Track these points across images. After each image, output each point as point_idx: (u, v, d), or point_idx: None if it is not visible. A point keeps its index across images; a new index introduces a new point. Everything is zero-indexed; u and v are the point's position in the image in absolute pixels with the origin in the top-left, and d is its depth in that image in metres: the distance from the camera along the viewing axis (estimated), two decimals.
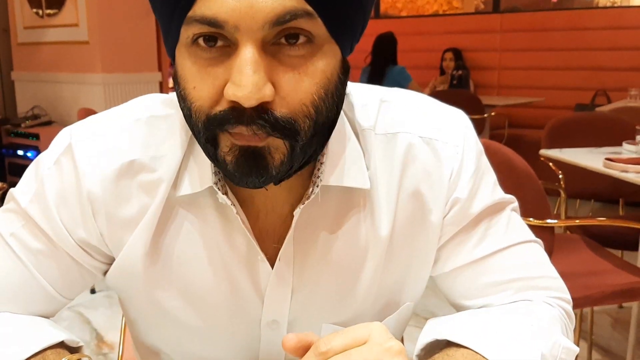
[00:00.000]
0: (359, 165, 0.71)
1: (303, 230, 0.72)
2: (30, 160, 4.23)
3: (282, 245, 0.72)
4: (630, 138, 2.52)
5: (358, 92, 0.77)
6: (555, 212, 2.95)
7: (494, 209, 0.76)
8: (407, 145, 0.74)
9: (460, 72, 5.69)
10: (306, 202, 0.69)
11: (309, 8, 0.55)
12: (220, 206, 0.71)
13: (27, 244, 0.73)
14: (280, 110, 0.58)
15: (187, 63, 0.59)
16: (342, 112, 0.70)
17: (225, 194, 0.69)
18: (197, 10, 0.55)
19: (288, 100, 0.58)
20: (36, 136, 4.52)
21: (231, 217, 0.71)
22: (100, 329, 2.93)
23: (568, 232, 2.66)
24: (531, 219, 1.90)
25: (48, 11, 4.59)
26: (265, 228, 0.73)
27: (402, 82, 5.44)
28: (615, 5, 6.34)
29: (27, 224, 0.73)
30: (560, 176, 2.71)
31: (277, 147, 0.60)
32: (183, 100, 0.61)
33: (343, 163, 0.70)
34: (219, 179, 0.68)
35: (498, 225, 0.77)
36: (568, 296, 0.79)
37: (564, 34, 5.67)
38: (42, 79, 4.82)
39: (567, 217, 2.68)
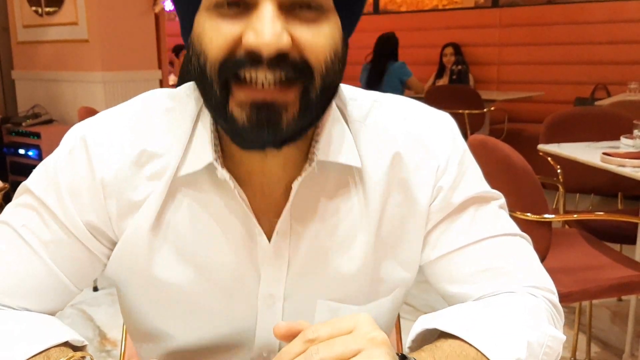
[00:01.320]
0: (350, 146, 0.75)
1: (299, 205, 0.76)
2: (32, 159, 4.22)
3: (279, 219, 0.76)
4: (628, 132, 2.52)
5: (352, 91, 0.82)
6: (554, 206, 2.97)
7: (479, 200, 0.80)
8: (396, 139, 0.78)
9: (459, 67, 5.70)
10: (304, 174, 0.72)
11: None
12: (219, 184, 0.73)
13: (39, 234, 0.75)
14: (300, 56, 0.62)
15: (206, 23, 0.63)
16: (334, 104, 0.75)
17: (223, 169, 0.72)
18: None
19: (306, 51, 0.62)
20: (37, 135, 4.53)
21: (230, 194, 0.73)
22: (103, 326, 2.95)
23: (566, 226, 2.67)
24: (529, 214, 1.91)
25: (47, 9, 4.59)
26: (263, 206, 0.76)
27: (402, 77, 5.45)
28: None
29: (40, 213, 0.75)
30: (559, 171, 2.72)
31: (294, 102, 0.64)
32: (198, 56, 0.64)
33: (336, 143, 0.74)
34: (218, 157, 0.71)
35: (483, 216, 0.80)
36: (553, 288, 0.81)
37: (563, 28, 5.68)
38: (42, 77, 4.83)
39: (566, 212, 2.69)
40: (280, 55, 0.60)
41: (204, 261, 0.77)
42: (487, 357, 0.64)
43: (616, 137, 2.57)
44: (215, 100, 0.65)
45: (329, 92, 0.67)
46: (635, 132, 2.38)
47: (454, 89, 5.23)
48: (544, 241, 1.92)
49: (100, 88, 4.35)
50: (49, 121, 4.72)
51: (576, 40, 5.63)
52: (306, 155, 0.74)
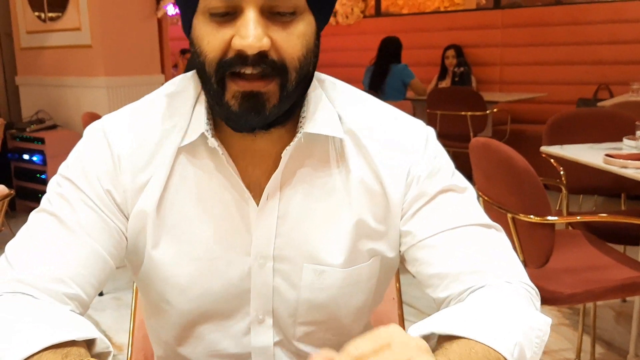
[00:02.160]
0: (335, 122, 0.87)
1: (288, 173, 0.87)
2: (36, 164, 4.26)
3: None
4: (631, 133, 2.53)
5: (343, 85, 0.94)
6: (557, 207, 2.97)
7: (454, 189, 0.88)
8: (374, 136, 0.89)
9: (462, 69, 5.70)
10: (292, 144, 0.84)
11: None
12: (213, 152, 0.86)
13: (73, 214, 0.84)
14: (277, 56, 0.76)
15: (202, 26, 0.77)
16: (322, 93, 0.89)
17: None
18: None
19: (281, 51, 0.76)
20: (41, 140, 4.54)
21: (223, 163, 0.85)
22: (109, 330, 2.96)
23: (570, 227, 2.67)
24: (532, 216, 1.91)
25: (50, 14, 4.61)
26: (255, 178, 0.88)
27: (404, 79, 5.47)
28: None
29: (70, 195, 0.84)
30: (562, 172, 2.72)
31: (273, 92, 0.77)
32: (198, 55, 0.79)
33: (322, 119, 0.86)
34: (210, 128, 0.84)
35: (458, 205, 0.88)
36: (524, 277, 0.85)
37: (565, 28, 5.68)
38: (45, 83, 4.85)
39: (569, 213, 2.69)
40: (261, 54, 0.75)
41: (203, 223, 0.88)
42: (492, 348, 0.68)
43: (619, 138, 2.58)
44: (213, 91, 0.80)
45: (304, 82, 0.81)
46: (638, 133, 2.38)
47: (456, 91, 5.23)
48: (547, 243, 1.92)
49: (104, 93, 4.37)
50: (53, 126, 4.75)
51: (578, 41, 5.63)
52: (294, 133, 0.86)
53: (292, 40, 0.77)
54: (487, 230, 0.87)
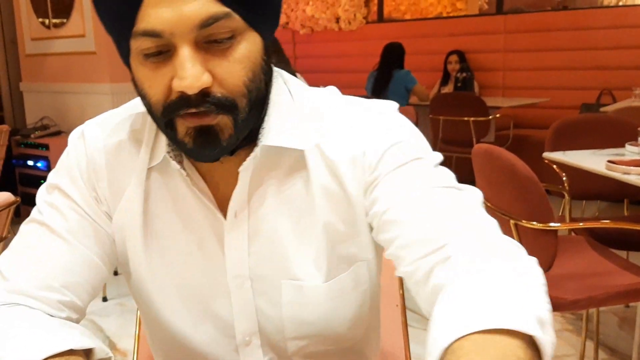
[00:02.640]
0: (297, 131, 0.83)
1: (254, 188, 0.84)
2: (41, 170, 4.29)
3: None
4: (633, 139, 2.53)
5: (310, 88, 0.89)
6: (560, 213, 2.97)
7: (412, 160, 0.80)
8: (329, 132, 0.84)
9: (464, 74, 5.71)
10: (248, 159, 0.80)
11: (227, 10, 0.69)
12: (181, 174, 0.83)
13: (63, 221, 0.84)
14: (220, 91, 0.71)
15: (140, 69, 0.73)
16: (286, 86, 0.85)
17: (181, 163, 0.82)
18: (139, 25, 0.68)
19: (224, 84, 0.71)
20: (46, 146, 4.57)
21: (192, 183, 0.84)
22: (113, 336, 2.97)
23: (573, 233, 2.68)
24: (534, 223, 1.92)
25: (55, 21, 4.63)
26: (226, 196, 0.84)
27: (407, 84, 5.48)
28: (620, 4, 6.35)
29: (60, 202, 0.85)
30: (564, 178, 2.73)
31: (226, 123, 0.73)
32: (143, 98, 0.75)
33: (283, 129, 0.82)
34: (171, 150, 0.82)
35: (421, 171, 0.80)
36: (495, 228, 0.76)
37: (568, 33, 5.68)
38: (50, 89, 4.88)
39: (572, 219, 2.69)
40: (204, 92, 0.70)
41: (178, 246, 0.87)
42: (505, 329, 0.59)
43: (621, 144, 2.58)
44: (164, 131, 0.77)
45: (258, 103, 0.77)
46: None
47: (459, 96, 5.24)
48: (550, 249, 1.93)
49: (109, 99, 4.39)
50: (58, 133, 4.77)
51: (581, 46, 5.63)
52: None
53: (235, 68, 0.71)
54: (455, 191, 0.78)
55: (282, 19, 7.25)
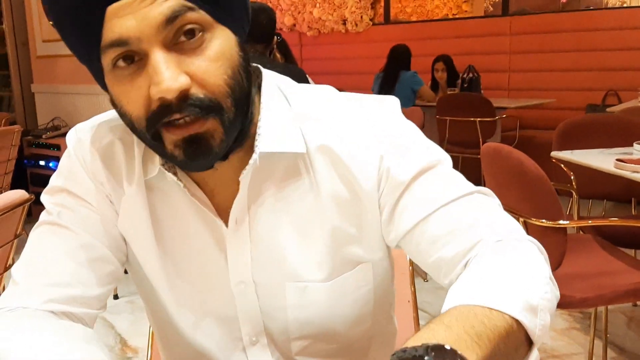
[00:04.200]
0: (294, 134, 0.81)
1: (254, 194, 0.83)
2: (52, 170, 4.32)
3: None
4: None
5: (304, 87, 0.88)
6: (567, 212, 2.99)
7: (427, 169, 0.81)
8: (333, 131, 0.83)
9: (471, 75, 5.72)
10: (248, 167, 0.79)
11: (189, 4, 0.68)
12: (178, 185, 0.82)
13: (73, 217, 0.83)
14: (202, 92, 0.69)
15: (115, 85, 0.71)
16: (281, 92, 0.84)
17: (175, 174, 0.81)
18: (105, 38, 0.67)
19: (205, 84, 0.69)
20: (57, 147, 4.61)
21: (191, 193, 0.82)
22: (124, 333, 3.00)
23: (581, 232, 2.69)
24: (543, 221, 1.94)
25: None
26: (223, 202, 0.84)
27: (414, 86, 5.49)
28: (625, 5, 6.35)
29: (67, 201, 0.84)
30: (572, 177, 2.75)
31: (215, 128, 0.71)
32: (123, 116, 0.73)
33: (280, 132, 0.80)
34: (164, 162, 0.80)
35: (435, 184, 0.81)
36: (519, 232, 0.79)
37: (573, 35, 5.69)
38: (61, 90, 4.92)
39: (580, 218, 2.71)
40: (184, 94, 0.68)
41: (182, 256, 0.87)
42: (494, 309, 0.64)
43: (629, 144, 2.59)
44: (152, 145, 0.75)
45: (243, 101, 0.75)
46: None
47: (465, 97, 5.25)
48: (560, 247, 1.95)
49: None
50: None
51: (586, 47, 5.64)
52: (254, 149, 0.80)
53: (212, 66, 0.70)
54: (470, 198, 0.80)
55: (290, 21, 7.28)
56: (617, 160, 2.25)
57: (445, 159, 0.84)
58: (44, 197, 0.86)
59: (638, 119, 3.00)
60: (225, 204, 0.83)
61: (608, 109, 4.43)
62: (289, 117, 0.82)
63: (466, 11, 6.97)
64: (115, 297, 3.38)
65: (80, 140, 0.87)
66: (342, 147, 0.82)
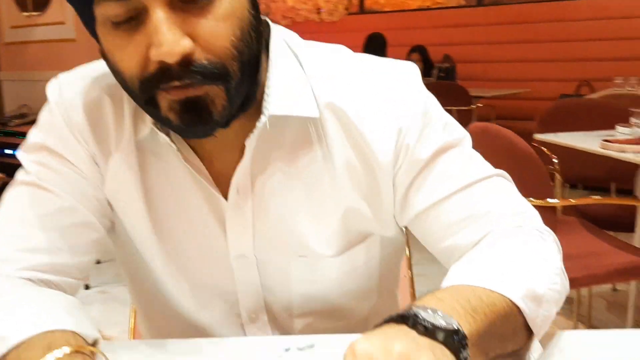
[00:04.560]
0: (306, 96, 0.74)
1: (259, 162, 0.76)
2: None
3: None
4: (621, 122, 2.55)
5: (315, 45, 0.81)
6: None
7: (447, 148, 0.77)
8: (352, 95, 0.76)
9: (447, 65, 5.73)
10: (255, 131, 0.71)
11: None
12: (172, 148, 0.74)
13: (54, 178, 0.75)
14: (206, 57, 0.62)
15: (108, 38, 0.64)
16: (290, 49, 0.76)
17: (168, 134, 0.73)
18: None
19: (209, 47, 0.62)
20: (24, 135, 4.47)
21: (185, 159, 0.75)
22: (97, 323, 2.91)
23: (565, 215, 2.69)
24: (531, 199, 1.92)
25: (34, 10, 4.58)
26: (223, 169, 0.76)
27: None
28: None
29: (47, 160, 0.76)
30: (555, 160, 2.74)
31: (216, 93, 0.64)
32: (115, 73, 0.66)
33: (290, 94, 0.73)
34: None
35: (455, 164, 0.77)
36: (541, 223, 0.78)
37: (548, 25, 5.72)
38: (29, 77, 4.80)
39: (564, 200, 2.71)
40: (186, 59, 0.61)
41: (174, 224, 0.79)
42: (493, 290, 0.62)
43: (611, 127, 2.59)
44: (146, 109, 0.68)
45: (251, 66, 0.68)
46: (632, 119, 2.40)
47: (441, 85, 5.25)
48: (549, 225, 1.92)
49: None
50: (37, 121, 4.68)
51: (561, 38, 5.68)
52: (259, 116, 0.72)
53: (219, 28, 0.62)
54: (488, 182, 0.77)
55: (262, 9, 7.21)
56: (604, 140, 2.23)
57: (465, 136, 0.80)
58: (21, 155, 0.78)
59: (618, 103, 3.01)
60: (226, 171, 0.76)
61: (586, 97, 4.45)
62: (300, 78, 0.75)
63: (439, 2, 6.95)
64: (87, 287, 3.29)
65: (63, 93, 0.78)
66: (357, 113, 0.75)
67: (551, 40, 5.73)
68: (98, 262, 0.83)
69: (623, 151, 2.13)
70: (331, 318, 0.86)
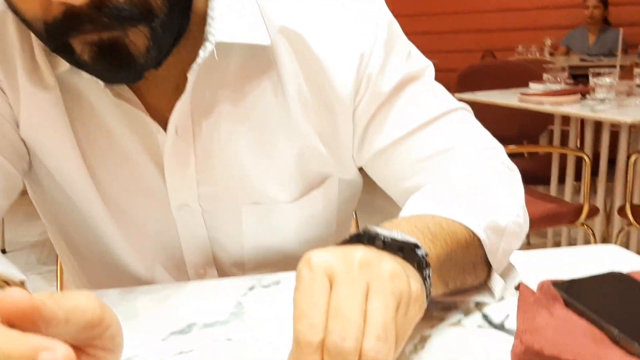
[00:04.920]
0: (256, 22, 0.65)
1: (201, 99, 0.66)
2: None
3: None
4: (534, 79, 2.64)
5: None
6: None
7: (410, 80, 0.70)
8: (308, 19, 0.68)
9: None
10: (198, 61, 0.61)
11: None
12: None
13: None
14: None
15: None
16: None
17: None
18: None
19: None
20: None
21: (115, 93, 0.64)
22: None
23: None
24: None
25: None
26: (159, 102, 0.66)
27: None
28: None
29: None
30: None
31: (138, 35, 0.54)
32: (15, 12, 0.55)
33: (238, 19, 0.63)
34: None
35: (418, 97, 0.70)
36: (507, 157, 0.74)
37: None
38: None
39: None
40: (97, 1, 0.51)
41: (107, 169, 0.70)
42: (452, 219, 0.58)
43: (524, 85, 2.68)
44: (58, 54, 0.58)
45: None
46: (545, 75, 2.49)
47: None
48: None
49: None
50: None
51: (464, 10, 5.82)
52: (201, 43, 0.62)
53: None
54: (453, 116, 0.71)
55: None
56: (522, 94, 2.30)
57: (428, 66, 0.73)
58: None
59: (528, 65, 3.13)
60: (161, 109, 0.66)
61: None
62: (250, 6, 0.65)
63: None
64: (3, 251, 3.12)
65: None
66: (314, 36, 0.67)
67: (456, 13, 5.86)
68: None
69: (541, 103, 2.20)
70: (286, 270, 0.78)
